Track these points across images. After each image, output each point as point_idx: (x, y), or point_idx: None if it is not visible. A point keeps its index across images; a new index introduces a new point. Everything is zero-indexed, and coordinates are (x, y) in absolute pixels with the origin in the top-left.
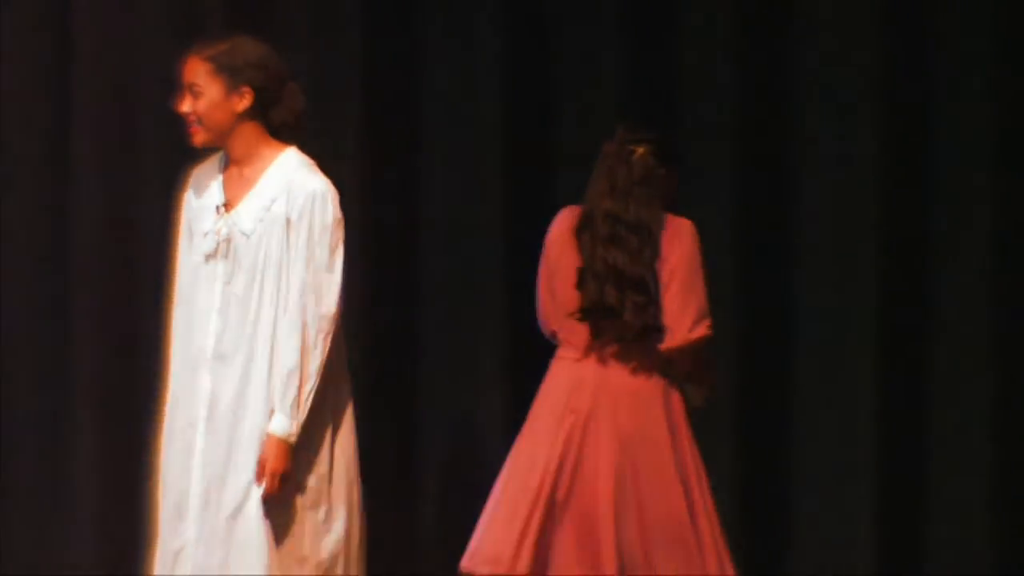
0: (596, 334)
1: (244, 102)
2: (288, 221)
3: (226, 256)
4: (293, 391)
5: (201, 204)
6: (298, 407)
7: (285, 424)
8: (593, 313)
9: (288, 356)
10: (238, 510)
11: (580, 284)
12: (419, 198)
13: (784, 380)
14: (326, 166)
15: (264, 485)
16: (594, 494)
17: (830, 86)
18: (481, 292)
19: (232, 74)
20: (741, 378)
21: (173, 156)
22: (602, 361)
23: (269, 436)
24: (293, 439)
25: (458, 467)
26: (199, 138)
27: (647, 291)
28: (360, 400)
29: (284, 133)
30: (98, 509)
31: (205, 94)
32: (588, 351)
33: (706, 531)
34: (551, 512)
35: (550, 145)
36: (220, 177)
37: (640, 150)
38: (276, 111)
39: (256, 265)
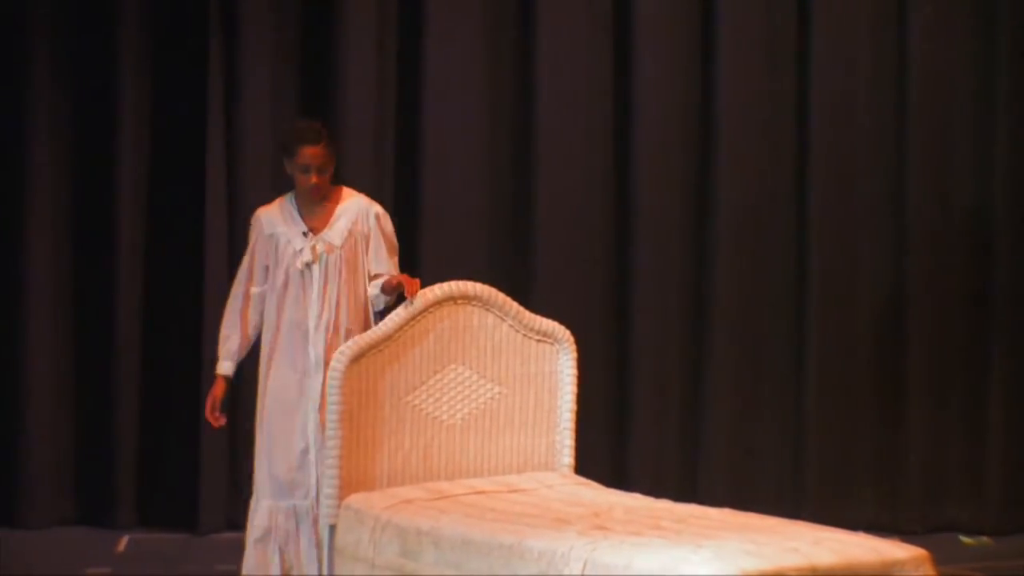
0: None
1: (333, 166)
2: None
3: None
4: None
5: (285, 231)
6: None
7: None
8: None
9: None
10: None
11: None
12: None
13: None
14: None
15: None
16: None
17: None
18: None
19: (334, 152)
20: None
21: None
22: None
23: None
24: None
25: None
26: (319, 194)
27: None
28: None
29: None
30: None
31: (327, 169)
32: None
33: None
34: None
35: None
36: (295, 214)
37: None
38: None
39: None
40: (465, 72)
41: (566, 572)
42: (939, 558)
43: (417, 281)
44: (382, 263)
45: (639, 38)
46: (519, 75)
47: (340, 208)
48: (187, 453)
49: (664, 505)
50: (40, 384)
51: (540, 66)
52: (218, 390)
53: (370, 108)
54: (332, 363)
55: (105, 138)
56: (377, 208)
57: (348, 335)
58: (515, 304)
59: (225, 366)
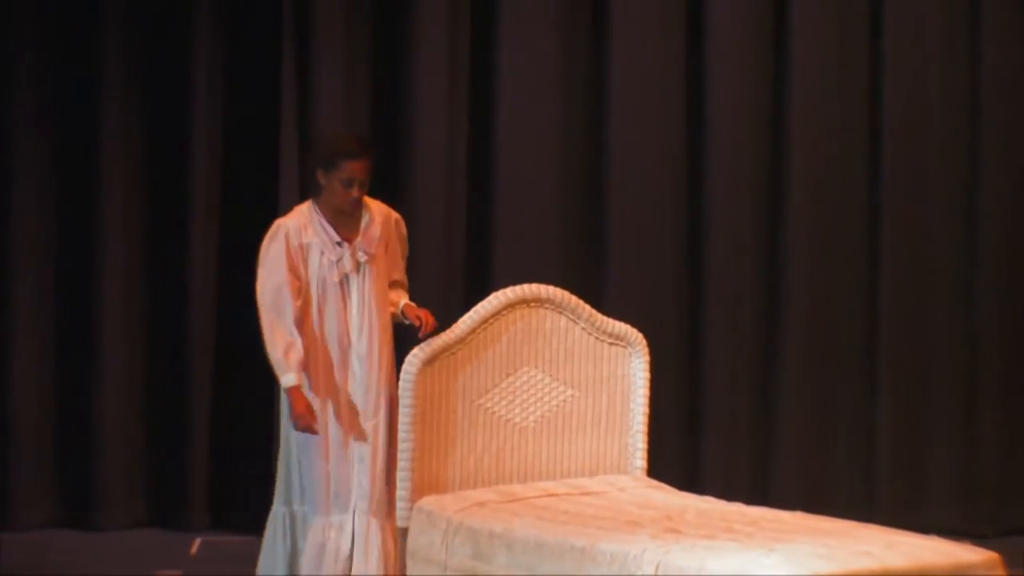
0: None
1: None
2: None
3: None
4: None
5: (316, 242)
6: None
7: None
8: None
9: None
10: None
11: None
12: None
13: None
14: None
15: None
16: None
17: None
18: None
19: (374, 163)
20: None
21: None
22: None
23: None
24: None
25: None
26: (357, 207)
27: None
28: None
29: None
30: None
31: (367, 182)
32: None
33: None
34: None
35: None
36: (323, 223)
37: None
38: None
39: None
40: (538, 76)
41: (638, 575)
42: (1010, 561)
43: (434, 323)
44: (397, 269)
45: (711, 44)
46: (592, 78)
47: (366, 216)
48: (260, 455)
49: (736, 508)
50: (113, 386)
51: (613, 70)
52: (305, 399)
53: (443, 112)
54: (405, 366)
55: (179, 142)
56: (396, 214)
57: (384, 339)
58: (587, 307)
59: (299, 376)
